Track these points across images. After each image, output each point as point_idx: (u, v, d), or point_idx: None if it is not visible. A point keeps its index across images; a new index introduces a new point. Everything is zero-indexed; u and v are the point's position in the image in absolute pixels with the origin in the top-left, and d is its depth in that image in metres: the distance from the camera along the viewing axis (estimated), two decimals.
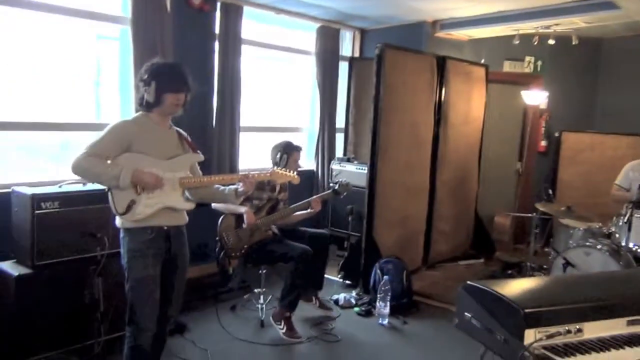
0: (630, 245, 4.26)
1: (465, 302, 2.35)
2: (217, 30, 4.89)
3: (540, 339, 2.03)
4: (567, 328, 2.10)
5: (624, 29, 6.07)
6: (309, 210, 4.12)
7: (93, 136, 2.70)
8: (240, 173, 3.02)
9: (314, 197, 4.20)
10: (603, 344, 2.11)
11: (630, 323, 2.25)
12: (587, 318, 2.16)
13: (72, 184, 3.48)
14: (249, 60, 5.31)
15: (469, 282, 2.39)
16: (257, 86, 5.61)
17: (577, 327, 2.12)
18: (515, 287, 2.35)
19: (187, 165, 2.84)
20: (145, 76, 2.65)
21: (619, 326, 2.22)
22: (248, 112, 5.34)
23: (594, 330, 2.16)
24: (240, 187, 2.88)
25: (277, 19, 5.61)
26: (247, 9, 5.09)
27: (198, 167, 2.95)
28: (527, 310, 2.05)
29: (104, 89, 4.61)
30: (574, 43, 6.10)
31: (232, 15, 4.95)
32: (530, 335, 2.03)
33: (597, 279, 3.10)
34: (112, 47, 4.61)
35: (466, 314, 2.32)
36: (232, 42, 4.96)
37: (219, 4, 4.87)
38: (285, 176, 3.02)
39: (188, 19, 4.64)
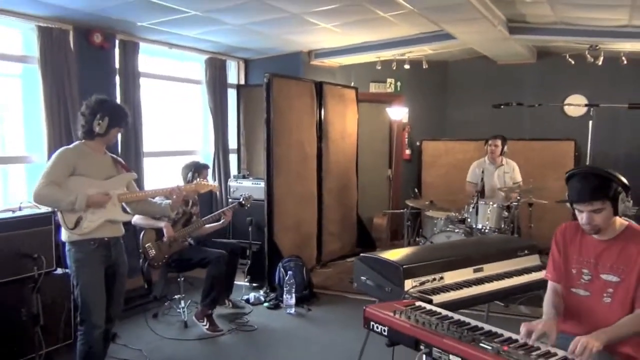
0: (479, 226, 5.36)
1: (360, 269, 3.12)
2: (117, 65, 5.32)
3: (415, 286, 2.86)
4: (433, 277, 2.96)
5: (463, 53, 7.39)
6: (222, 221, 4.70)
7: None
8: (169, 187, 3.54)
9: (225, 208, 4.79)
10: (458, 286, 2.98)
11: (475, 271, 3.17)
12: (446, 269, 3.04)
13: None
14: (148, 91, 5.77)
15: (362, 254, 3.17)
16: (155, 114, 6.07)
17: (440, 276, 3.00)
18: (395, 253, 3.18)
19: (123, 184, 3.34)
20: (100, 112, 3.14)
21: (468, 273, 3.13)
22: (149, 139, 5.80)
23: (451, 277, 3.04)
24: (172, 201, 3.44)
25: (170, 52, 6.14)
26: (143, 45, 5.57)
27: (134, 184, 3.44)
28: (404, 266, 2.87)
29: (7, 123, 4.85)
30: (424, 67, 7.29)
31: (130, 51, 5.40)
32: (409, 284, 2.84)
33: (451, 244, 4.12)
34: (14, 84, 4.86)
35: (362, 277, 3.10)
36: (131, 75, 5.40)
37: (117, 41, 5.31)
38: (207, 186, 3.64)
39: (90, 56, 5.03)
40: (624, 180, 2.28)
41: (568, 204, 2.41)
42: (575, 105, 6.54)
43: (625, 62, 6.25)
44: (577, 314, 2.44)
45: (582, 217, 2.32)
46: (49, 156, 4.46)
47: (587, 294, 2.40)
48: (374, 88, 7.93)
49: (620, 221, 2.36)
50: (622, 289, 2.28)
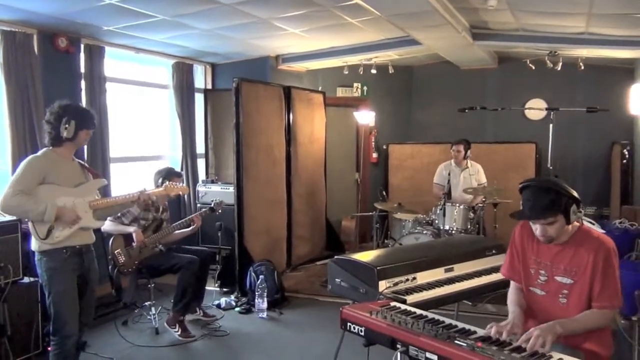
0: (446, 227, 5.49)
1: (334, 271, 3.15)
2: (82, 70, 5.24)
3: (389, 287, 2.91)
4: (406, 277, 3.02)
5: (428, 58, 7.54)
6: (191, 227, 4.66)
7: None
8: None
9: (194, 214, 4.76)
10: (430, 286, 3.05)
11: (446, 270, 3.25)
12: (418, 270, 3.10)
13: None
14: (114, 95, 5.69)
15: (336, 256, 3.21)
16: (122, 119, 5.99)
17: (413, 276, 3.06)
18: (368, 255, 3.22)
19: (94, 190, 3.30)
20: (65, 116, 3.09)
21: (439, 273, 3.21)
22: (116, 144, 5.72)
23: (424, 277, 3.10)
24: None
25: (136, 57, 6.07)
26: (108, 49, 5.50)
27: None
28: (378, 268, 2.92)
29: None
30: (390, 72, 7.42)
31: (95, 55, 5.33)
32: (383, 285, 2.89)
33: (422, 245, 4.21)
34: None
35: (336, 279, 3.13)
36: (97, 80, 5.34)
37: (82, 46, 5.23)
38: (176, 189, 3.62)
39: (55, 61, 4.94)
40: (574, 193, 2.37)
41: None
42: (536, 109, 6.77)
43: (582, 67, 6.49)
44: (535, 312, 2.55)
45: (536, 229, 2.44)
46: (13, 162, 4.41)
47: (544, 294, 2.51)
48: (341, 92, 8.01)
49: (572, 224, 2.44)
50: (576, 291, 2.40)
